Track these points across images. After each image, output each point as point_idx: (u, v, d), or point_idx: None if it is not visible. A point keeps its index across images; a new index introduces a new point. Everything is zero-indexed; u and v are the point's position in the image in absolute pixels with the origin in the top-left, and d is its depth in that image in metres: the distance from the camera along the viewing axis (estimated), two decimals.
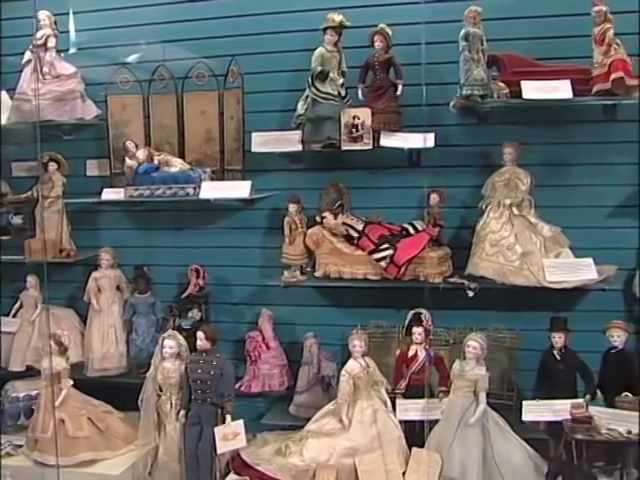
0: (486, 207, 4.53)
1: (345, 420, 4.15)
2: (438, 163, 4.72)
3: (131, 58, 5.06)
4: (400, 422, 4.26)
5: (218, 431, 4.17)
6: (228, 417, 4.21)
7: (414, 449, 4.14)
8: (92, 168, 5.22)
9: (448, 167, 4.75)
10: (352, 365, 4.21)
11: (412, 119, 4.64)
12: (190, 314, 4.85)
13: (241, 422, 4.22)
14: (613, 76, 4.21)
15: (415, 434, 4.24)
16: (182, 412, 4.28)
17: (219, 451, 4.17)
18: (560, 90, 4.30)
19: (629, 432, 3.85)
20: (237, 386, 4.86)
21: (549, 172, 4.67)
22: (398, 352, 4.36)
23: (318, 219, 4.67)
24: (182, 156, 4.95)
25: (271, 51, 4.91)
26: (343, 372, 4.20)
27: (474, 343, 4.05)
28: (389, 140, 4.51)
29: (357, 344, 4.20)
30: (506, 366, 4.64)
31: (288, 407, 4.79)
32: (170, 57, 5.00)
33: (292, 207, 4.70)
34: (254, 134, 4.70)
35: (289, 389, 4.86)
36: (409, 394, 4.29)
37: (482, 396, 4.01)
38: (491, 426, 4.04)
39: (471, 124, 4.73)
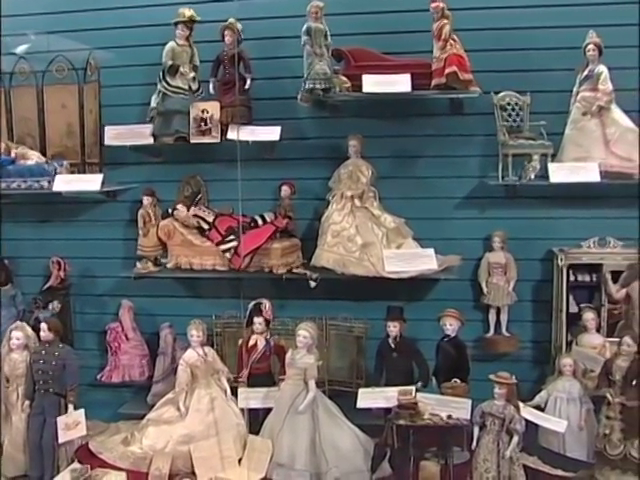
0: (332, 199, 4.60)
1: (182, 408, 4.24)
2: (292, 155, 4.83)
3: None
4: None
5: (60, 421, 4.21)
6: (70, 407, 4.27)
7: (250, 436, 4.23)
8: None
9: (302, 159, 4.85)
10: (190, 354, 4.29)
11: (265, 112, 4.71)
12: (50, 306, 4.89)
13: (82, 411, 4.28)
14: (447, 70, 4.33)
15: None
16: (27, 403, 4.31)
17: (61, 440, 4.21)
18: (399, 84, 4.39)
19: (449, 417, 3.96)
20: (98, 376, 4.95)
21: (398, 164, 4.79)
22: (240, 342, 4.43)
23: (170, 211, 4.72)
24: (43, 149, 4.96)
25: (130, 45, 4.93)
26: (181, 361, 4.29)
27: (304, 332, 4.13)
28: (236, 133, 4.56)
29: (194, 334, 4.29)
30: (355, 354, 4.74)
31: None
32: (30, 50, 5.00)
33: (146, 200, 4.77)
34: (107, 128, 4.77)
35: (150, 379, 4.92)
36: (251, 383, 4.36)
37: (311, 384, 4.10)
38: (321, 413, 4.13)
39: (323, 117, 4.81)
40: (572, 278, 4.55)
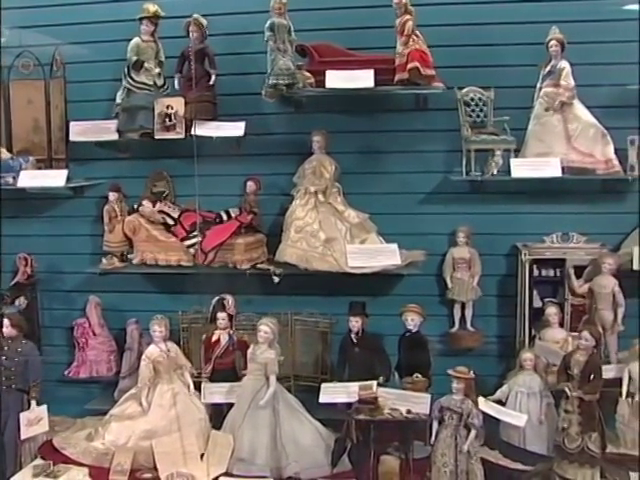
0: (297, 194, 4.61)
1: (144, 403, 4.24)
2: (258, 151, 4.83)
3: None
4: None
5: (23, 417, 4.22)
6: (33, 402, 4.27)
7: (212, 431, 4.24)
8: None
9: (268, 155, 4.85)
10: (152, 350, 4.30)
11: (231, 108, 4.71)
12: (17, 302, 4.89)
13: (44, 407, 4.28)
14: (409, 66, 4.33)
15: None
16: None
17: (23, 436, 4.22)
18: (362, 79, 4.39)
19: (409, 411, 3.98)
20: (66, 372, 4.95)
21: (363, 160, 4.80)
22: (204, 337, 4.44)
23: (136, 207, 4.72)
24: (10, 145, 4.95)
25: (96, 40, 4.92)
26: (143, 357, 4.30)
27: (265, 327, 4.14)
28: (201, 129, 4.57)
29: (157, 329, 4.29)
30: (320, 350, 4.76)
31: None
32: None
33: (112, 196, 4.78)
34: (72, 123, 4.77)
35: (118, 374, 4.93)
36: (215, 378, 4.37)
37: (272, 379, 4.10)
38: (282, 408, 4.14)
39: (288, 113, 4.81)
40: (536, 273, 4.58)
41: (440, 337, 4.74)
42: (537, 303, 4.61)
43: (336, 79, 4.38)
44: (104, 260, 4.75)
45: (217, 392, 4.34)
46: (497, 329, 4.80)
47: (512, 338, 4.70)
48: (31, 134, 4.99)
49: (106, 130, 4.68)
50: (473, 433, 3.81)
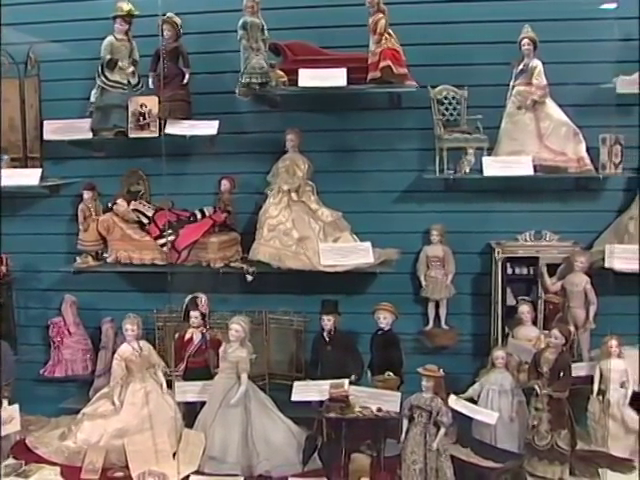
0: (270, 193, 4.62)
1: (117, 402, 4.25)
2: (232, 150, 4.83)
3: None
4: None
5: None
6: (5, 402, 4.27)
7: (185, 430, 4.25)
8: None
9: (242, 153, 4.85)
10: (124, 348, 4.30)
11: (206, 106, 4.71)
12: None
13: (16, 407, 4.28)
14: (381, 65, 4.34)
15: None
16: None
17: None
18: (335, 78, 4.39)
19: (379, 410, 4.00)
20: (41, 371, 4.95)
21: (337, 158, 4.80)
22: (176, 336, 4.44)
23: (110, 206, 4.72)
24: None
25: (70, 39, 4.91)
26: (115, 355, 4.31)
27: (236, 326, 4.14)
28: (174, 128, 4.56)
29: (129, 328, 4.30)
30: (295, 348, 4.76)
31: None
32: None
33: (86, 194, 4.78)
34: (45, 122, 4.77)
35: (94, 373, 4.92)
36: (188, 376, 4.37)
37: (243, 377, 4.11)
38: (253, 406, 4.15)
39: (263, 111, 4.81)
40: (509, 271, 4.59)
41: (415, 335, 4.75)
42: (510, 301, 4.62)
43: (309, 78, 4.38)
44: (78, 259, 4.75)
45: (189, 390, 4.35)
46: (471, 327, 4.81)
47: (486, 336, 4.72)
48: (7, 133, 4.97)
49: (80, 129, 4.67)
50: (442, 431, 3.82)
